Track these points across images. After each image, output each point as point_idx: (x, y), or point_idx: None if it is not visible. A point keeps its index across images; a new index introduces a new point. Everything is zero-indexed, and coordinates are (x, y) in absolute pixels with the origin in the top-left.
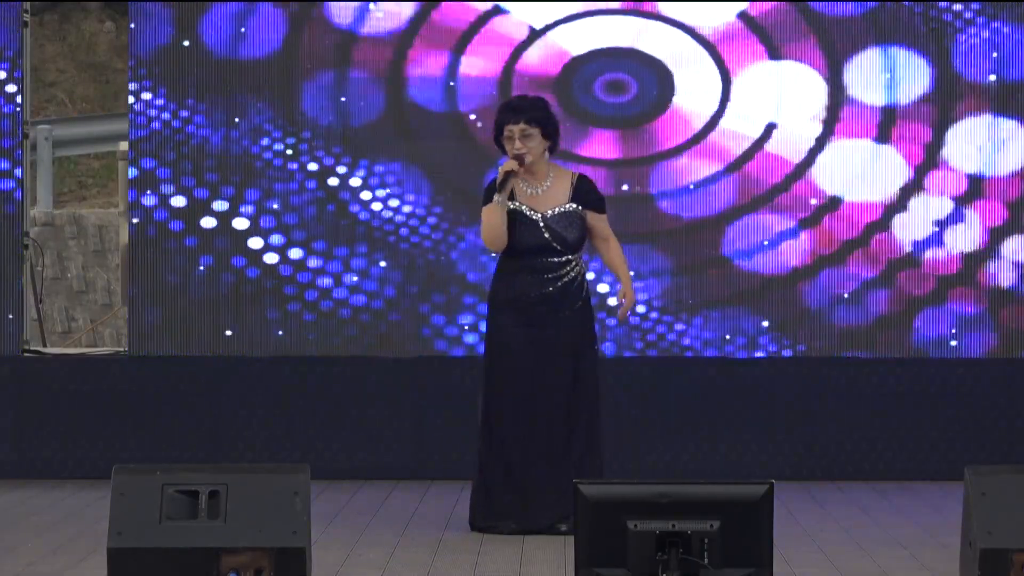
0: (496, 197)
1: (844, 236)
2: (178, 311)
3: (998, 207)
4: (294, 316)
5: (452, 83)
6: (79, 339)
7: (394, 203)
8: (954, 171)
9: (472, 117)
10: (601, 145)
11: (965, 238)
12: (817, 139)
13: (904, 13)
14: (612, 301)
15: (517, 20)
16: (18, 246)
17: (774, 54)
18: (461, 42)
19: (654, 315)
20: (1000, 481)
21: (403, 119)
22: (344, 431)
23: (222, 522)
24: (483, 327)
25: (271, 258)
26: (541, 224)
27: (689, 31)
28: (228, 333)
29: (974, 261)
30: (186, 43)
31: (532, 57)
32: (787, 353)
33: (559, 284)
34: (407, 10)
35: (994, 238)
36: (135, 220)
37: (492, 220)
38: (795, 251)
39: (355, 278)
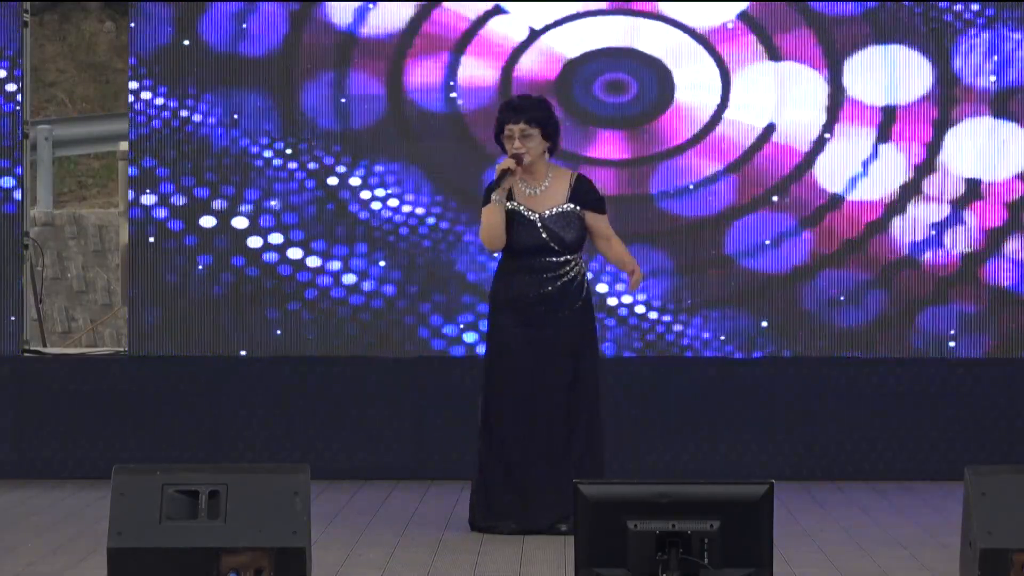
0: (493, 196)
1: (844, 236)
2: (178, 311)
3: (998, 207)
4: (293, 316)
5: (452, 83)
6: (79, 339)
7: (394, 203)
8: (954, 171)
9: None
10: (604, 145)
11: (965, 238)
12: (817, 139)
13: (904, 13)
14: (620, 287)
15: (517, 21)
16: (18, 246)
17: (774, 54)
18: (461, 42)
19: (654, 315)
20: (1000, 481)
21: (403, 119)
22: (344, 431)
23: (222, 522)
24: (483, 327)
25: (271, 257)
26: (539, 224)
27: (689, 32)
28: (228, 333)
29: (974, 261)
30: (186, 43)
31: (532, 57)
32: (787, 353)
33: (558, 284)
34: (407, 10)
35: (994, 238)
36: (134, 217)
37: (490, 220)
38: (795, 251)
39: (355, 278)
